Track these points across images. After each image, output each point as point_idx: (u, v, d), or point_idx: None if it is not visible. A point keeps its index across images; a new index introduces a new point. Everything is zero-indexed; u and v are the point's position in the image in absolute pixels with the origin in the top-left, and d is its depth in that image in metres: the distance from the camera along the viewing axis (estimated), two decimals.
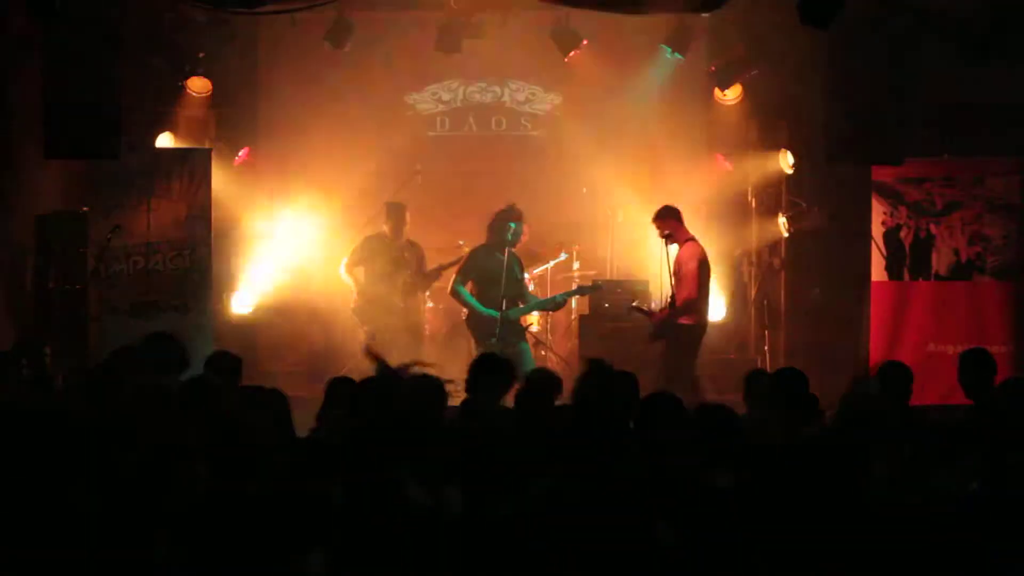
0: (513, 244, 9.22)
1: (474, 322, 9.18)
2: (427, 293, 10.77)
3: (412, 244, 10.15)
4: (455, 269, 9.53)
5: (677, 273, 8.89)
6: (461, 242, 10.39)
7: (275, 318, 11.44)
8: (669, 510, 3.94)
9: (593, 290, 10.20)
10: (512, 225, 9.15)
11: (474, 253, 9.34)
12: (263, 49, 11.75)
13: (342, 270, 10.11)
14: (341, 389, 5.64)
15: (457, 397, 5.58)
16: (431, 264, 10.20)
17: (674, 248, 8.97)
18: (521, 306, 9.31)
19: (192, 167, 9.70)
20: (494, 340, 8.90)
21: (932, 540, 3.83)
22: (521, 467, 4.19)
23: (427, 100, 12.23)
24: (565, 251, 11.48)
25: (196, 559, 3.73)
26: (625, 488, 3.98)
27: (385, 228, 10.08)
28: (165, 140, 10.68)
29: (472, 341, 9.39)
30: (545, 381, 5.74)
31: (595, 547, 3.70)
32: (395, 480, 3.86)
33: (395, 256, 9.91)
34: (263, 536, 3.68)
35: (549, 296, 10.48)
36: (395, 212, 10.03)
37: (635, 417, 4.84)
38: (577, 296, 10.47)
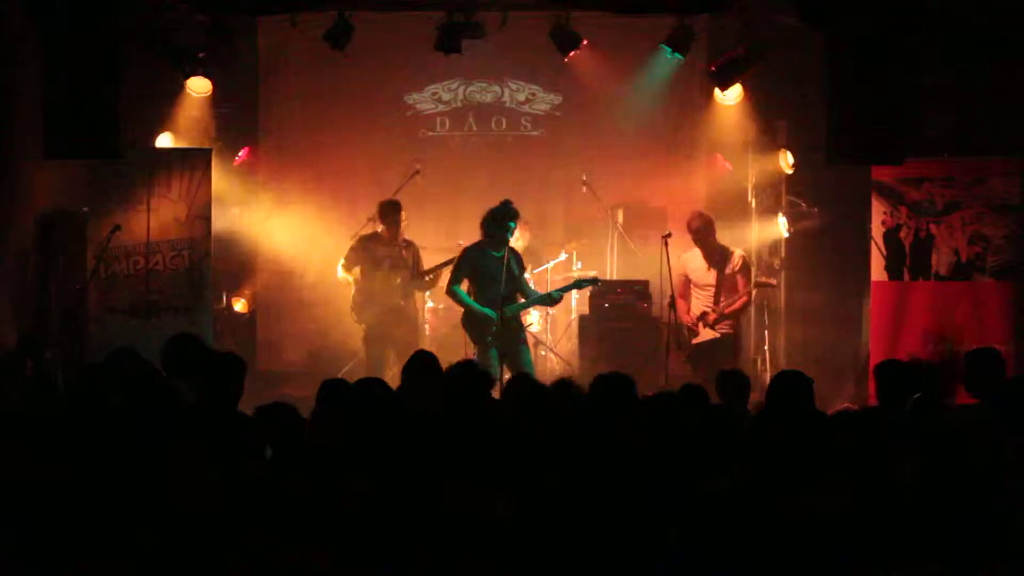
0: (507, 242, 9.17)
1: (470, 322, 9.11)
2: (427, 293, 10.75)
3: (409, 243, 10.10)
4: (450, 269, 9.48)
5: None
6: (461, 242, 10.34)
7: (275, 317, 11.43)
8: (675, 511, 3.94)
9: (591, 283, 10.03)
10: (512, 224, 9.10)
11: (468, 252, 9.26)
12: (263, 49, 11.75)
13: (340, 271, 10.09)
14: (334, 390, 5.65)
15: None
16: (428, 264, 10.16)
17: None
18: (520, 302, 9.22)
19: (192, 167, 9.70)
20: (491, 339, 8.85)
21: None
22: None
23: (427, 100, 12.22)
24: (565, 251, 11.47)
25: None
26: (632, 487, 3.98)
27: (381, 227, 10.05)
28: (165, 140, 10.67)
29: (470, 341, 9.35)
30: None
31: (603, 545, 3.71)
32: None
33: (391, 255, 9.87)
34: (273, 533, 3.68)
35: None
36: (389, 211, 9.97)
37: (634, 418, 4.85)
38: (576, 290, 10.41)
